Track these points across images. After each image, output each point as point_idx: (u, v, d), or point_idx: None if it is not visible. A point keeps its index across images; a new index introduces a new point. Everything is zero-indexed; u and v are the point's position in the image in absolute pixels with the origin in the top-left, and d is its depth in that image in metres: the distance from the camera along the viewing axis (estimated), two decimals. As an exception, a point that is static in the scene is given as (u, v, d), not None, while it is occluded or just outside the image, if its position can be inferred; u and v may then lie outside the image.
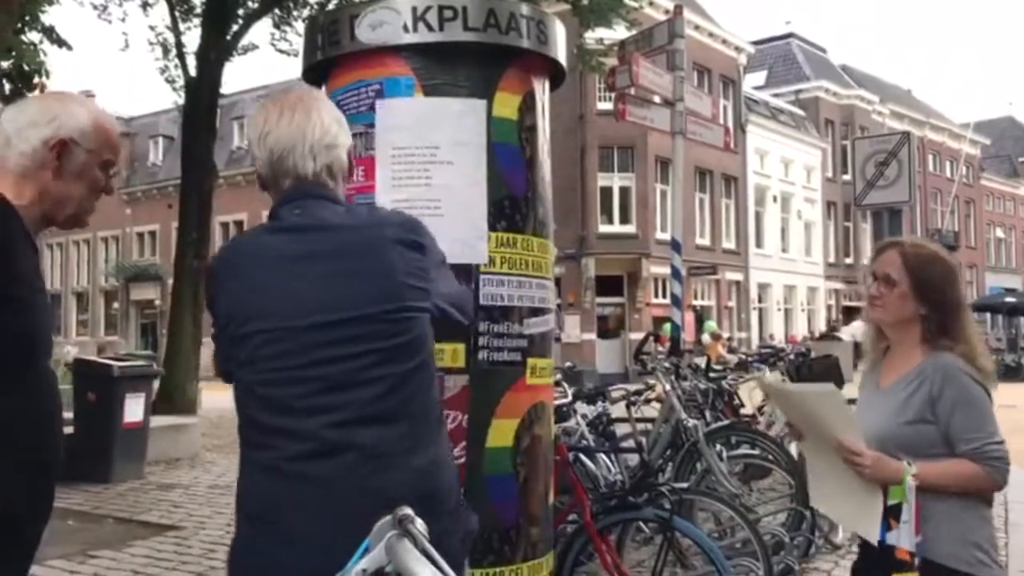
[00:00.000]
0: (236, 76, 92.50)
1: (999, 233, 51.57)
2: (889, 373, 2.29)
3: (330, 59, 2.60)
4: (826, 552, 5.41)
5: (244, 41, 13.80)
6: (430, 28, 2.44)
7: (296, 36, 15.06)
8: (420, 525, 1.04)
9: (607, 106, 24.50)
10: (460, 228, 2.44)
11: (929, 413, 2.13)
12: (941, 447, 2.12)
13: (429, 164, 2.45)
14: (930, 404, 2.13)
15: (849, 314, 38.54)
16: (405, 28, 2.44)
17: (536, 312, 2.58)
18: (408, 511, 1.06)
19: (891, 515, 2.09)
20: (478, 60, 2.51)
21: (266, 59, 75.95)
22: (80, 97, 1.87)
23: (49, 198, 1.76)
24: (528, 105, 2.59)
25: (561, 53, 2.70)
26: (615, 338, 27.48)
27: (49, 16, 9.31)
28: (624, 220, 27.60)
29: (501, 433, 2.46)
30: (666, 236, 25.38)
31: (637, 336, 25.58)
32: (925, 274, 2.22)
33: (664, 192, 27.43)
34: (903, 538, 2.06)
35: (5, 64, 7.20)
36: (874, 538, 2.11)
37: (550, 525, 2.70)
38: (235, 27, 13.27)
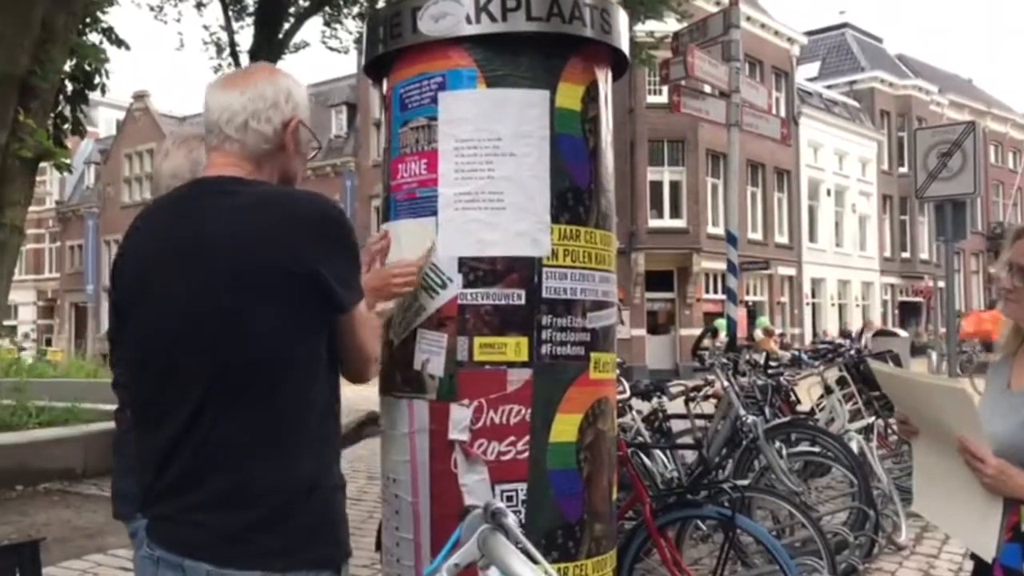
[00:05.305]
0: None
1: (1064, 226, 49.98)
2: (1022, 374, 2.06)
3: (391, 52, 2.59)
4: (889, 552, 5.30)
5: (295, 39, 13.97)
6: (493, 19, 2.41)
7: (346, 33, 15.20)
8: (512, 519, 1.01)
9: (657, 99, 24.30)
10: (523, 221, 2.42)
11: None
12: None
13: (492, 156, 2.42)
14: None
15: (905, 310, 37.74)
16: (468, 19, 2.42)
17: (599, 305, 2.54)
18: (500, 504, 1.02)
19: None
20: (541, 50, 2.47)
21: (317, 57, 76.80)
22: (287, 71, 1.87)
23: (286, 180, 1.79)
24: (591, 95, 2.55)
25: (624, 42, 2.65)
26: (665, 334, 27.26)
27: (109, 17, 9.48)
28: (675, 214, 27.34)
29: (565, 427, 2.43)
30: (717, 231, 25.12)
31: (687, 332, 25.38)
32: None
33: (715, 186, 27.13)
34: None
35: (68, 65, 7.35)
36: (988, 555, 1.92)
37: (613, 521, 2.66)
38: (287, 26, 13.43)
